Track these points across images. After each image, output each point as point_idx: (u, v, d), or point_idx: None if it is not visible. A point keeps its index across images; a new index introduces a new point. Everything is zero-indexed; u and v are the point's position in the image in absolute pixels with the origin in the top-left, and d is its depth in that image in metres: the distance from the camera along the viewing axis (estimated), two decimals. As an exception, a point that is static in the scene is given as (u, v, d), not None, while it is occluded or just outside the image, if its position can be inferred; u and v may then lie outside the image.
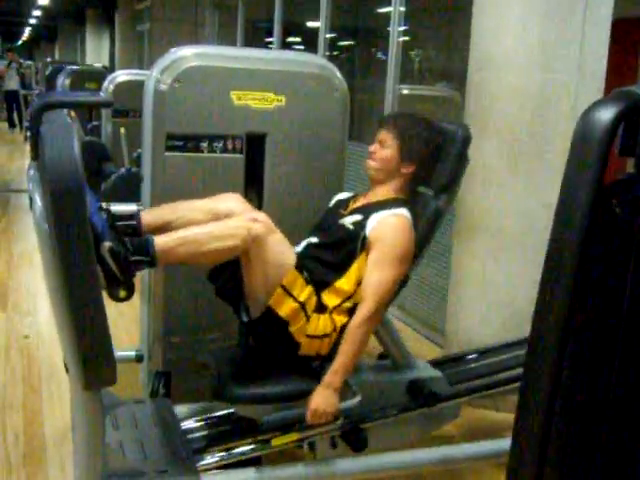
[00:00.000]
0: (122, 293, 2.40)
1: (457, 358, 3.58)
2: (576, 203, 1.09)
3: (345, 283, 2.77)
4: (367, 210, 2.87)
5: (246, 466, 2.77)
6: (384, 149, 2.95)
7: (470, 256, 4.06)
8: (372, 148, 2.98)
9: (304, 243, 2.93)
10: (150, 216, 2.76)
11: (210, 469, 2.71)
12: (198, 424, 2.95)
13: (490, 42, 3.84)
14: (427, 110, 7.00)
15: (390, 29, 5.94)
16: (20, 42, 43.39)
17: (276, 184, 3.25)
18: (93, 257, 2.15)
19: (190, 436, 2.86)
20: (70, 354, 2.23)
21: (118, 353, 2.82)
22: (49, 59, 23.71)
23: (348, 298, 2.77)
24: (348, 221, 2.87)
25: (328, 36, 7.40)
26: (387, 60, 5.97)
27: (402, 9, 5.89)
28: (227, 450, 2.80)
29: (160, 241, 2.50)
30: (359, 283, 2.76)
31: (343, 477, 2.94)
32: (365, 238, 2.78)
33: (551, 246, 1.13)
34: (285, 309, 2.63)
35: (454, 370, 3.40)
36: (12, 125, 18.43)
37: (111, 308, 2.27)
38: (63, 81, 9.94)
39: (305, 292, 2.67)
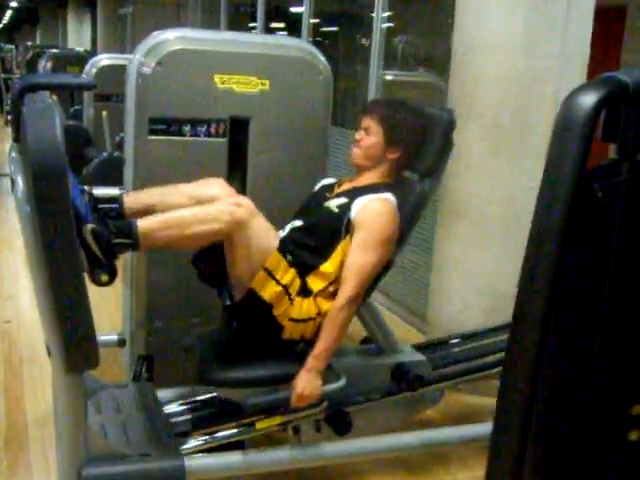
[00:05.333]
0: (104, 277, 2.40)
1: (441, 342, 3.59)
2: (558, 188, 1.10)
3: (330, 267, 2.77)
4: (353, 194, 2.87)
5: (229, 450, 2.78)
6: (369, 136, 2.95)
7: (452, 241, 4.07)
8: (357, 136, 2.98)
9: (288, 227, 2.92)
10: (133, 199, 2.75)
11: (193, 452, 2.71)
12: (181, 408, 2.96)
13: (474, 27, 3.84)
14: (411, 96, 6.99)
15: (374, 15, 5.93)
16: (0, 26, 42.96)
17: (259, 168, 3.24)
18: (75, 239, 2.15)
19: (173, 420, 2.86)
20: (52, 337, 2.23)
21: (101, 337, 2.81)
22: (30, 43, 23.50)
23: (332, 282, 2.77)
24: (333, 204, 2.86)
25: (312, 22, 7.37)
26: (371, 46, 5.96)
27: (386, -5, 5.87)
28: (210, 434, 2.80)
29: (143, 224, 2.50)
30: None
31: (325, 460, 2.96)
32: (350, 221, 2.78)
33: (533, 230, 1.13)
34: (268, 292, 2.63)
35: (438, 354, 3.42)
36: (-8, 109, 18.27)
37: (93, 293, 2.26)
38: (45, 65, 9.86)
39: (288, 275, 2.67)
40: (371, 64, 5.88)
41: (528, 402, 1.15)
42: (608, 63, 6.74)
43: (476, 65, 3.83)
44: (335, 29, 11.97)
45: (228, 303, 2.72)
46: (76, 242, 2.15)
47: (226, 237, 2.59)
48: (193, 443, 2.75)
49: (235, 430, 2.83)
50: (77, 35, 22.96)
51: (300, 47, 3.35)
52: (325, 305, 2.75)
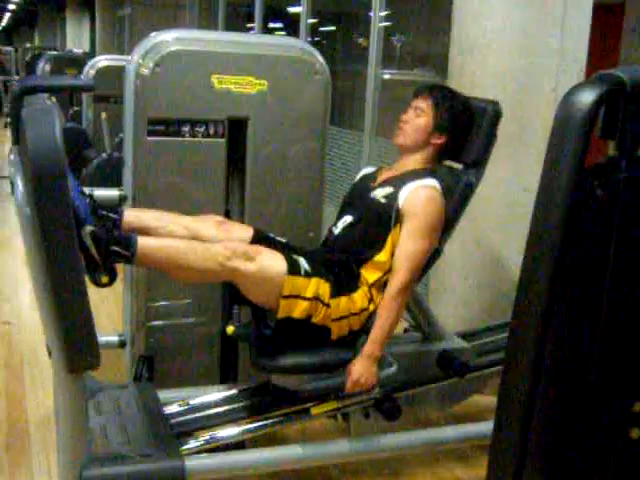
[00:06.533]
0: (104, 278, 2.40)
1: (483, 330, 3.66)
2: (557, 185, 1.10)
3: (383, 256, 2.79)
4: (397, 182, 2.88)
5: (229, 450, 2.79)
6: (418, 117, 2.97)
7: (451, 240, 4.06)
8: (404, 116, 3.00)
9: (340, 224, 2.95)
10: (134, 217, 2.76)
11: (194, 453, 2.71)
12: (181, 408, 2.95)
13: (472, 25, 3.84)
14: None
15: (372, 14, 5.92)
16: (-1, 28, 42.96)
17: (258, 168, 3.24)
18: (75, 241, 2.15)
19: (173, 420, 2.86)
20: (53, 338, 2.23)
21: (101, 338, 2.81)
22: (29, 45, 23.49)
23: (387, 271, 2.79)
24: (379, 194, 2.88)
25: (310, 21, 7.37)
26: (369, 45, 5.96)
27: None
28: (211, 434, 2.81)
29: (144, 242, 2.51)
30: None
31: (324, 460, 2.98)
32: (398, 210, 2.80)
33: (533, 227, 1.14)
34: (298, 311, 2.63)
35: (480, 342, 3.51)
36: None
37: (94, 294, 2.26)
38: (43, 67, 9.86)
39: (311, 287, 2.65)
40: (370, 63, 5.88)
41: (529, 400, 1.16)
42: (607, 60, 6.73)
43: (474, 64, 3.83)
44: (333, 29, 11.97)
45: (269, 334, 2.71)
46: (76, 244, 2.16)
47: (229, 280, 2.64)
48: (193, 444, 2.75)
49: (234, 430, 2.83)
50: (76, 36, 22.96)
51: (298, 47, 3.35)
52: (378, 296, 2.78)
